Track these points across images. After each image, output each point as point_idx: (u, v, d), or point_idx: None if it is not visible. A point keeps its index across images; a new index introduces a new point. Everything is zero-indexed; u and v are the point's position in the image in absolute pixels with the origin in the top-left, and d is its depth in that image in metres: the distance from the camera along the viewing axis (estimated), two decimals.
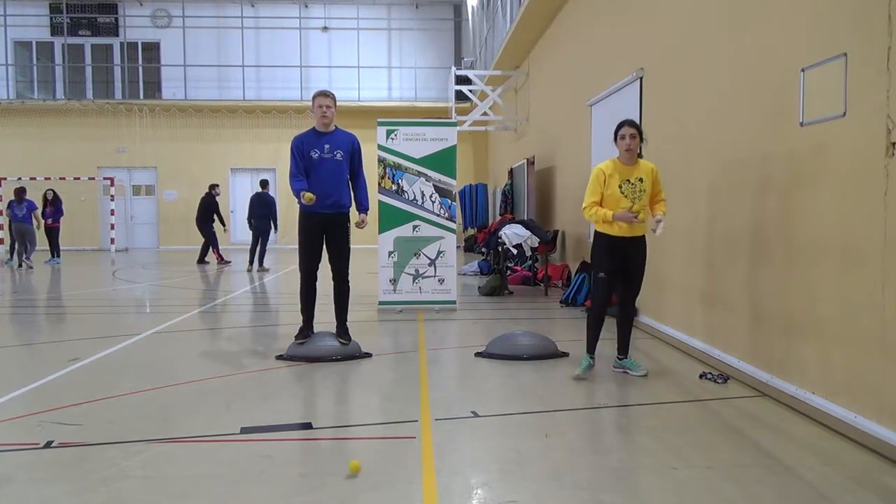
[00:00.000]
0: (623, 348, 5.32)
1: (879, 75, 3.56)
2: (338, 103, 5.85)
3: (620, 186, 5.05)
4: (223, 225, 16.23)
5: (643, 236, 5.21)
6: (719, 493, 3.04)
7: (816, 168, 4.19)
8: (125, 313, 9.15)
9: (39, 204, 16.55)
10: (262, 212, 14.54)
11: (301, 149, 5.68)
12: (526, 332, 6.16)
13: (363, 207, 5.94)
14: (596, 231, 5.26)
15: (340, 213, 5.75)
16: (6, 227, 16.29)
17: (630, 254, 5.17)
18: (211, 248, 15.94)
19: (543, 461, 3.44)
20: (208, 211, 15.83)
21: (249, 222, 14.60)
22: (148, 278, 13.43)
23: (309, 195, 5.47)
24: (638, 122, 7.57)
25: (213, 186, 16.14)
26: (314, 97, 5.74)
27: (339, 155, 5.69)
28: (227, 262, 15.89)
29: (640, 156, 5.20)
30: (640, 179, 5.09)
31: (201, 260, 15.98)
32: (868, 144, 3.67)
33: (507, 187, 16.15)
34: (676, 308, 6.57)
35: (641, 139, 5.14)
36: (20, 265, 14.94)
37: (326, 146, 5.67)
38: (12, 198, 15.46)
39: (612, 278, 5.19)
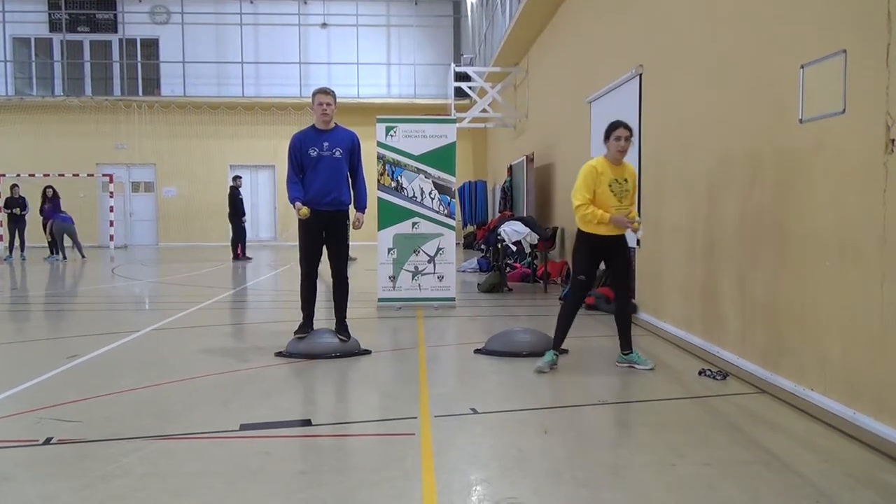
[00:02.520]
0: (626, 344, 5.34)
1: (879, 72, 3.56)
2: (337, 100, 5.84)
3: (610, 185, 5.10)
4: (240, 217, 16.02)
5: (623, 234, 5.28)
6: (718, 489, 3.04)
7: (815, 165, 4.19)
8: (124, 310, 9.15)
9: (38, 200, 16.57)
10: None
11: (300, 147, 5.66)
12: (525, 328, 6.15)
13: (361, 206, 5.93)
14: (581, 231, 5.25)
15: (340, 210, 5.74)
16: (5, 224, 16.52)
17: (612, 252, 5.23)
18: (237, 242, 15.94)
19: (543, 458, 3.44)
20: (232, 204, 15.85)
21: None
22: (147, 275, 13.42)
23: (304, 210, 5.48)
24: (637, 120, 7.58)
25: (235, 178, 16.17)
26: (314, 94, 5.72)
27: (338, 152, 5.68)
28: (247, 259, 15.82)
29: None
30: (626, 180, 5.17)
31: (241, 256, 15.93)
32: (867, 141, 3.66)
33: (506, 184, 16.14)
34: (675, 305, 6.57)
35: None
36: (64, 258, 16.25)
37: (326, 144, 5.65)
38: (47, 197, 16.51)
39: (591, 280, 5.32)
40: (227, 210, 16.04)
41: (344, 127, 5.84)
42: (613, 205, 5.06)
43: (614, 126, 5.15)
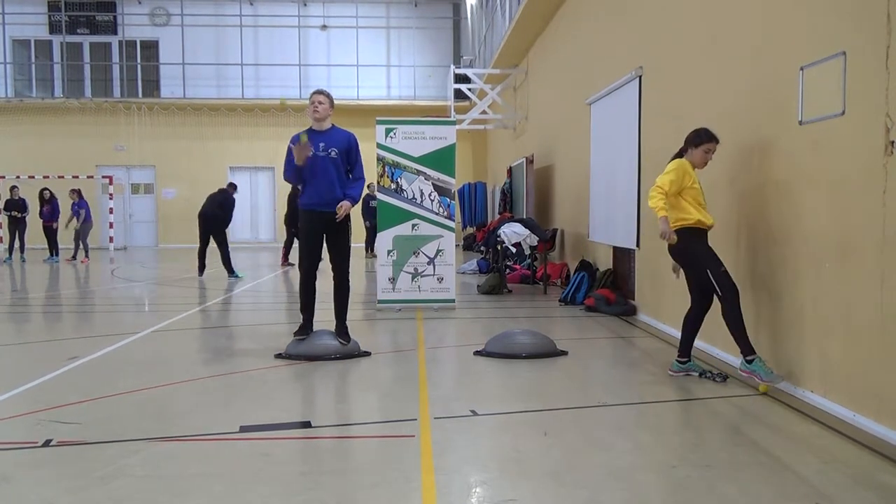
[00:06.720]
0: (747, 349, 4.60)
1: (878, 74, 3.56)
2: (336, 102, 5.85)
3: (698, 185, 4.88)
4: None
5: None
6: (718, 491, 3.04)
7: (815, 166, 4.20)
8: (124, 311, 9.14)
9: (36, 203, 16.57)
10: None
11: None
12: (525, 330, 6.15)
13: (348, 195, 5.75)
14: (686, 229, 4.81)
15: None
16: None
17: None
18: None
19: (542, 460, 3.44)
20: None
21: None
22: (147, 277, 13.42)
23: (303, 138, 5.52)
24: (636, 121, 7.59)
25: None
26: (310, 96, 5.78)
27: (333, 153, 5.68)
28: (291, 265, 15.28)
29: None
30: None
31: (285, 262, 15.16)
32: (867, 143, 3.67)
33: (505, 186, 16.16)
34: (675, 306, 6.56)
35: None
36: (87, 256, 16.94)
37: (322, 144, 5.66)
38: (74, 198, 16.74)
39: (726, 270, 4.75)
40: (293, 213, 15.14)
41: (341, 128, 5.85)
42: (702, 202, 4.85)
43: (709, 138, 4.86)
